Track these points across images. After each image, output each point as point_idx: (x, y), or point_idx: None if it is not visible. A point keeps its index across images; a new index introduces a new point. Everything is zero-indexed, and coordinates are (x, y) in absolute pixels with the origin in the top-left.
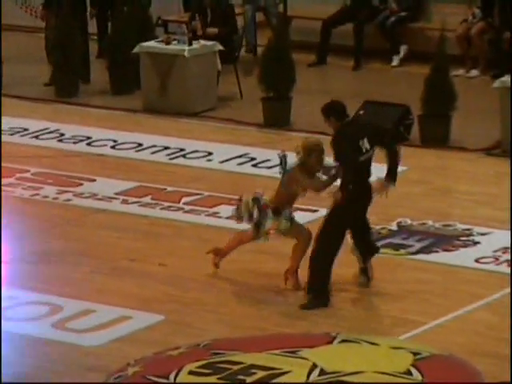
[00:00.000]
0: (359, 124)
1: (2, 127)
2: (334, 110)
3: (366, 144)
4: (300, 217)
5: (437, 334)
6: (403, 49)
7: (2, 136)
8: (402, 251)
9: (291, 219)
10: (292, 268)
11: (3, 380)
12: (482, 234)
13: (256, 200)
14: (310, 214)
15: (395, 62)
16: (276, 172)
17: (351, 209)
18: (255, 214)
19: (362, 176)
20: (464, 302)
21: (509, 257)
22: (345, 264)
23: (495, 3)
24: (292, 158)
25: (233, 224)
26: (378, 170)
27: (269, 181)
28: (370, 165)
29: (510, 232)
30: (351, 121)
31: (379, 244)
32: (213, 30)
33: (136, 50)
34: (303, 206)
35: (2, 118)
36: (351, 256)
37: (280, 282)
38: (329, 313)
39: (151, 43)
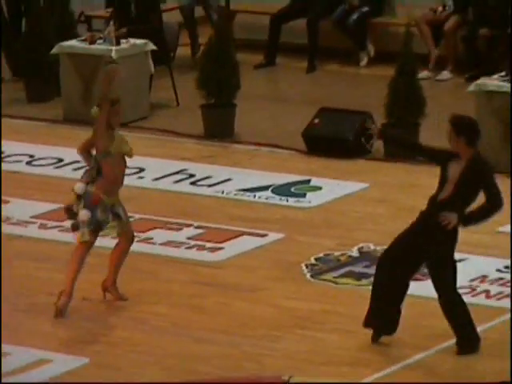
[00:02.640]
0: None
1: None
2: (470, 130)
3: None
4: (246, 242)
5: (405, 375)
6: (370, 47)
7: None
8: (364, 281)
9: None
10: (112, 277)
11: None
12: (457, 261)
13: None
14: (260, 238)
15: (364, 61)
16: (219, 191)
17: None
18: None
19: None
20: (435, 339)
21: (487, 287)
22: (301, 298)
23: None
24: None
25: (169, 251)
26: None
27: (211, 201)
28: None
29: (489, 258)
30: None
31: (338, 273)
32: (122, 31)
33: (55, 50)
34: (249, 230)
35: None
36: (314, 289)
37: (224, 317)
38: (281, 353)
39: (72, 42)
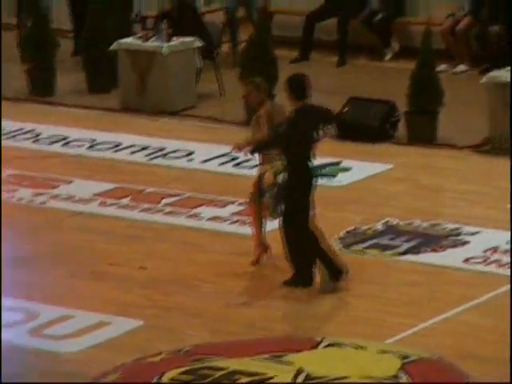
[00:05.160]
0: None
1: None
2: (297, 86)
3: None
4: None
5: (425, 336)
6: (395, 44)
7: None
8: (389, 252)
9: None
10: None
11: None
12: (471, 234)
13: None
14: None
15: (388, 56)
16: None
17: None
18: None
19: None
20: (453, 304)
21: (498, 257)
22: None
23: None
24: None
25: (215, 225)
26: None
27: (251, 181)
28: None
29: (500, 231)
30: (311, 105)
31: (366, 245)
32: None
33: (114, 47)
34: None
35: None
36: (344, 259)
37: (263, 284)
38: (314, 316)
39: (129, 40)
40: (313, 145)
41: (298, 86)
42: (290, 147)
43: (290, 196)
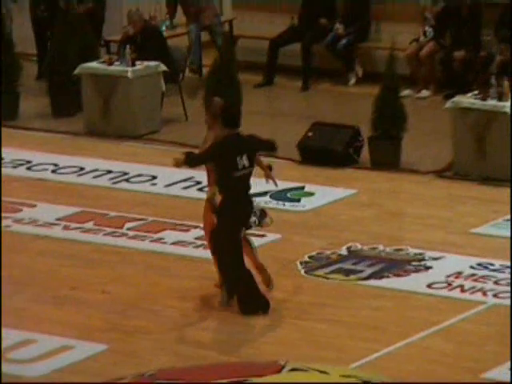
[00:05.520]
0: (242, 139)
1: None
2: (224, 113)
3: (244, 160)
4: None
5: (388, 361)
6: (358, 69)
7: None
8: (353, 277)
9: None
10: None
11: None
12: (435, 259)
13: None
14: (259, 238)
15: (352, 80)
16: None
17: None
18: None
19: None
20: (416, 329)
21: (461, 282)
22: (295, 291)
23: (448, 22)
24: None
25: (179, 249)
26: None
27: None
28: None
29: (462, 256)
30: (236, 134)
31: (329, 270)
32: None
33: (77, 71)
34: (249, 231)
35: None
36: (307, 283)
37: (226, 309)
38: (277, 340)
39: (93, 64)
40: (238, 172)
41: (230, 115)
42: (215, 167)
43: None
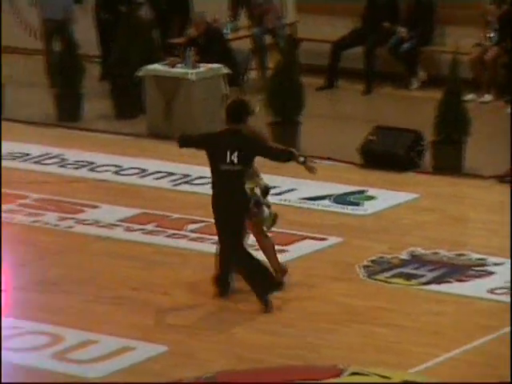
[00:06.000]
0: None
1: (3, 152)
2: (235, 110)
3: (234, 157)
4: (308, 245)
5: (448, 366)
6: (421, 72)
7: (3, 161)
8: (414, 281)
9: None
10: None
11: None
12: (496, 264)
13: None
14: (319, 242)
15: (415, 84)
16: (284, 199)
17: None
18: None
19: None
20: (477, 335)
21: None
22: (356, 296)
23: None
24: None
25: None
26: None
27: (277, 208)
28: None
29: None
30: (237, 130)
31: (390, 274)
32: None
33: (140, 73)
34: (310, 234)
35: (3, 142)
36: (368, 288)
37: (287, 311)
38: (338, 344)
39: (156, 66)
40: (224, 165)
41: (233, 111)
42: (207, 157)
43: None
